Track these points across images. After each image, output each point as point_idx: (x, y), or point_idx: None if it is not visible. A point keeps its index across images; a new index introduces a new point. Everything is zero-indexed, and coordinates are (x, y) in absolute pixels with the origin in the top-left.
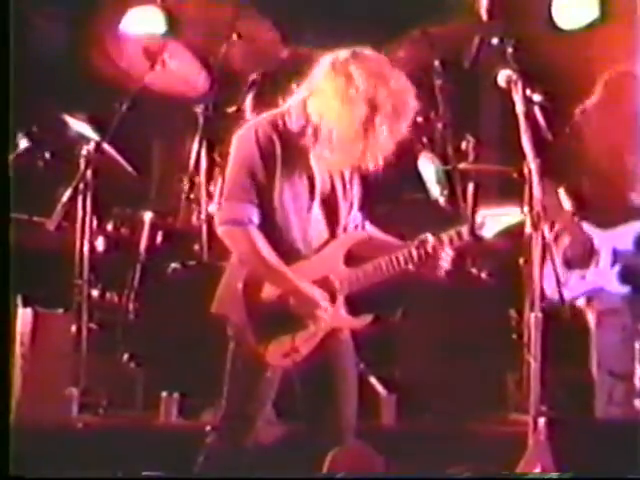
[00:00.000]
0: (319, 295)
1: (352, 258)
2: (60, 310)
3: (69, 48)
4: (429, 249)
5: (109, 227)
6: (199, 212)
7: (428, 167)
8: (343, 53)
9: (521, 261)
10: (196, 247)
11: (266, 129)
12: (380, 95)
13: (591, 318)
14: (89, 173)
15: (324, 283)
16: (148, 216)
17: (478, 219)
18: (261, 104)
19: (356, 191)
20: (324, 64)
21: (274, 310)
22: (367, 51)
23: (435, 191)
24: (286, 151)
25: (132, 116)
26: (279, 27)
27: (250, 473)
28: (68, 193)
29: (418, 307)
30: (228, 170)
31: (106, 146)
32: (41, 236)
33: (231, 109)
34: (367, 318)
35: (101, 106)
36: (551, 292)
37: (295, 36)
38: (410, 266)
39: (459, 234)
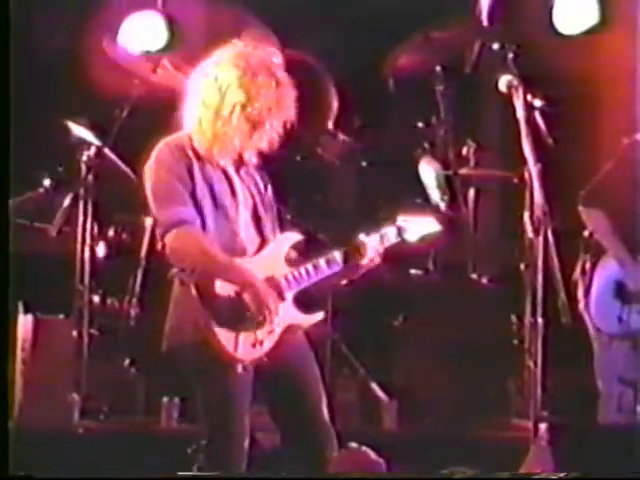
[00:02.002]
0: (268, 289)
1: (291, 258)
2: (61, 316)
3: (69, 54)
4: (361, 251)
5: (110, 233)
6: None
7: (429, 172)
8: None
9: (522, 266)
10: None
11: (177, 142)
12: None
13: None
14: (90, 179)
15: (270, 282)
16: (149, 222)
17: (399, 223)
18: None
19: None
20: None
21: (232, 305)
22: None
23: (435, 196)
24: (201, 162)
25: (133, 121)
26: (279, 34)
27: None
28: (69, 199)
29: (419, 312)
30: (153, 182)
31: (107, 151)
32: (42, 242)
33: None
34: (318, 315)
35: (102, 112)
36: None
37: (295, 43)
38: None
39: (382, 237)
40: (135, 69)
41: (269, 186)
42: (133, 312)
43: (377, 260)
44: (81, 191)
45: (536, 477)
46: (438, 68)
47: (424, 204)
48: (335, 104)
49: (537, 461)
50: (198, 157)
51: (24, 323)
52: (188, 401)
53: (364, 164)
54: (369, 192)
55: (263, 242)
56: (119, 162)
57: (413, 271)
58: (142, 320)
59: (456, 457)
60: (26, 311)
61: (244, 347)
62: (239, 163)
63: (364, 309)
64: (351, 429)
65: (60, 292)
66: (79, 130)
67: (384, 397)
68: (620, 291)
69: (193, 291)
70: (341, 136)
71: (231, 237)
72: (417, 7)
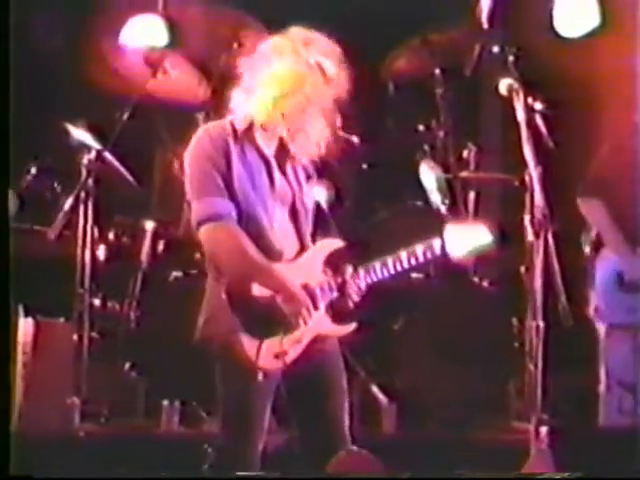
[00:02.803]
0: (305, 297)
1: (329, 266)
2: (61, 319)
3: (69, 56)
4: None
5: (110, 236)
6: None
7: (429, 175)
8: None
9: (522, 269)
10: (197, 256)
11: (218, 130)
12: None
13: (601, 328)
14: (90, 182)
15: (305, 289)
16: (150, 225)
17: (447, 236)
18: None
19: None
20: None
21: (263, 310)
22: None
23: (436, 199)
24: (242, 151)
25: (133, 124)
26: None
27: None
28: (69, 202)
29: (420, 315)
30: (191, 171)
31: (107, 155)
32: (42, 245)
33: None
34: (351, 326)
35: (102, 115)
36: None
37: None
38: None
39: (431, 249)
40: (135, 72)
41: (312, 185)
42: (133, 315)
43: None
44: (82, 194)
45: (539, 477)
46: (438, 71)
47: (424, 207)
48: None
49: (538, 464)
50: (240, 145)
51: (25, 326)
52: (191, 403)
53: (364, 167)
54: (369, 195)
55: (302, 245)
56: (119, 165)
57: (414, 274)
58: (142, 323)
59: (457, 460)
60: (26, 314)
61: (267, 356)
62: (283, 154)
63: (365, 312)
64: (351, 432)
65: (61, 295)
66: (79, 133)
67: (384, 400)
68: (621, 282)
69: (223, 295)
70: (341, 139)
71: (266, 235)
72: (417, 9)
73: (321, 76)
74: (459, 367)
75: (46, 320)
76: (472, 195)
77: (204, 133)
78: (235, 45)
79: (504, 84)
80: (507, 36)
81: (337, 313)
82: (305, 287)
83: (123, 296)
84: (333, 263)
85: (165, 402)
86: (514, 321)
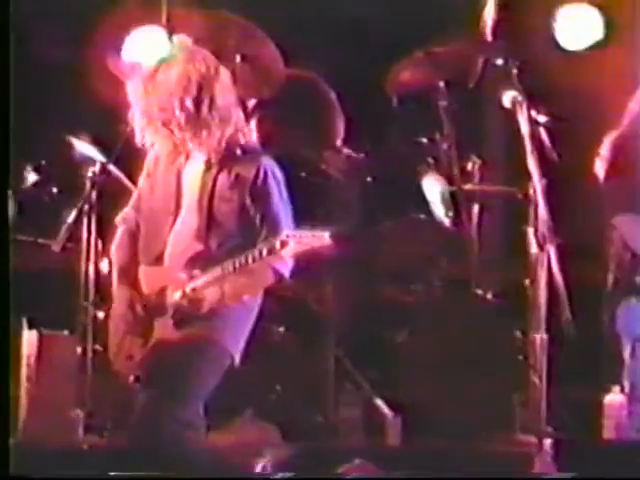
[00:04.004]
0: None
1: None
2: (65, 332)
3: (72, 68)
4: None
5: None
6: None
7: (433, 188)
8: None
9: (526, 282)
10: None
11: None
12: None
13: (626, 343)
14: (94, 194)
15: (159, 293)
16: None
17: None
18: (265, 125)
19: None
20: None
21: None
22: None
23: (440, 212)
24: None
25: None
26: (283, 50)
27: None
28: (73, 215)
29: (424, 327)
30: None
31: (112, 167)
32: (46, 258)
33: None
34: (190, 330)
35: (106, 127)
36: None
37: (299, 59)
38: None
39: (260, 252)
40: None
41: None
42: None
43: None
44: (85, 207)
45: (544, 477)
46: (441, 83)
47: (428, 219)
48: (339, 120)
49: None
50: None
51: (28, 339)
52: None
53: (368, 179)
54: (373, 208)
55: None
56: (124, 178)
57: (417, 286)
58: None
59: (461, 473)
60: (30, 327)
61: (121, 359)
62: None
63: (368, 324)
64: (355, 445)
65: (64, 308)
66: (83, 146)
67: (388, 413)
68: None
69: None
70: (345, 152)
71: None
72: (420, 22)
73: None
74: (463, 379)
75: (50, 333)
76: (476, 208)
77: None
78: (238, 57)
79: (508, 97)
80: (511, 48)
81: (179, 318)
82: (161, 291)
83: None
84: (192, 267)
85: None
86: (518, 333)
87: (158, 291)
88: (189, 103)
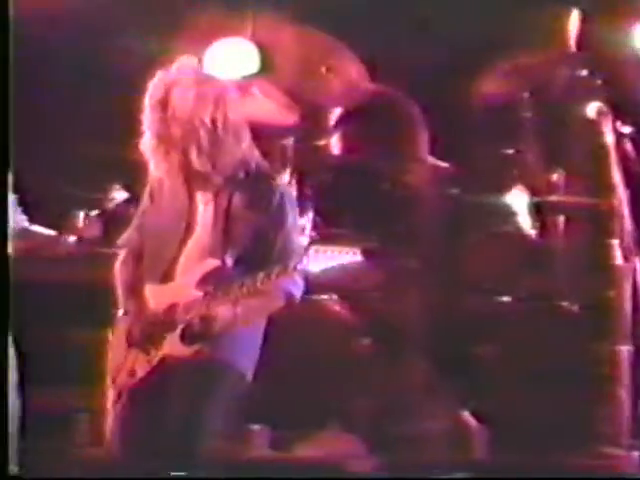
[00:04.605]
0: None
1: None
2: None
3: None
4: (258, 283)
5: None
6: None
7: (519, 200)
8: None
9: (612, 294)
10: None
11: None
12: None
13: None
14: None
15: (169, 310)
16: None
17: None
18: (349, 137)
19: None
20: None
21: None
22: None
23: (526, 224)
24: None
25: None
26: (367, 63)
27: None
28: None
29: (509, 340)
30: None
31: None
32: None
33: (321, 142)
34: (195, 347)
35: None
36: None
37: (383, 73)
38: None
39: (285, 268)
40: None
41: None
42: None
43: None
44: None
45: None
46: (526, 95)
47: (514, 231)
48: (423, 134)
49: None
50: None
51: None
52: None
53: (453, 192)
54: (458, 220)
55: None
56: None
57: (503, 298)
58: None
59: None
60: None
61: (122, 374)
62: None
63: (453, 336)
64: (441, 457)
65: None
66: None
67: (475, 425)
68: None
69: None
70: (429, 164)
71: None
72: (506, 33)
73: None
74: (548, 392)
75: None
76: (561, 219)
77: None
78: (323, 69)
79: (592, 108)
80: (595, 60)
81: (189, 335)
82: (171, 308)
83: None
84: (207, 284)
85: (255, 426)
86: (603, 346)
87: (167, 308)
88: (207, 121)
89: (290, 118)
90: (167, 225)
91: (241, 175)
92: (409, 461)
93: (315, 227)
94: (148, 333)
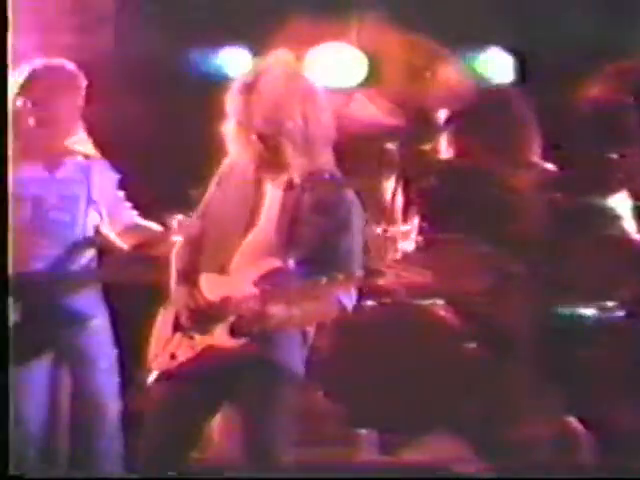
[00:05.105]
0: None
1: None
2: None
3: None
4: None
5: None
6: (395, 250)
7: (624, 204)
8: None
9: None
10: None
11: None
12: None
13: None
14: None
15: (223, 302)
16: None
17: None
18: (455, 141)
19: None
20: None
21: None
22: None
23: (631, 228)
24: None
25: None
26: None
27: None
28: None
29: (615, 344)
30: None
31: None
32: None
33: (426, 146)
34: (241, 341)
35: None
36: None
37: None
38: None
39: (348, 277)
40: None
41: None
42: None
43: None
44: None
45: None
46: (631, 99)
47: (620, 236)
48: (535, 135)
49: None
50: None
51: None
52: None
53: (559, 195)
54: (563, 224)
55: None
56: None
57: (608, 303)
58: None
59: None
60: None
61: (164, 357)
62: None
63: (559, 340)
64: (547, 463)
65: None
66: None
67: (581, 430)
68: None
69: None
70: (538, 168)
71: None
72: (611, 37)
73: None
74: None
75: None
76: None
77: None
78: (428, 74)
79: None
80: None
81: (240, 328)
82: (225, 300)
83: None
84: (265, 282)
85: (363, 430)
86: None
87: (222, 299)
88: (298, 117)
89: (395, 122)
90: (231, 214)
91: (316, 178)
92: (515, 465)
93: (421, 232)
94: (197, 320)
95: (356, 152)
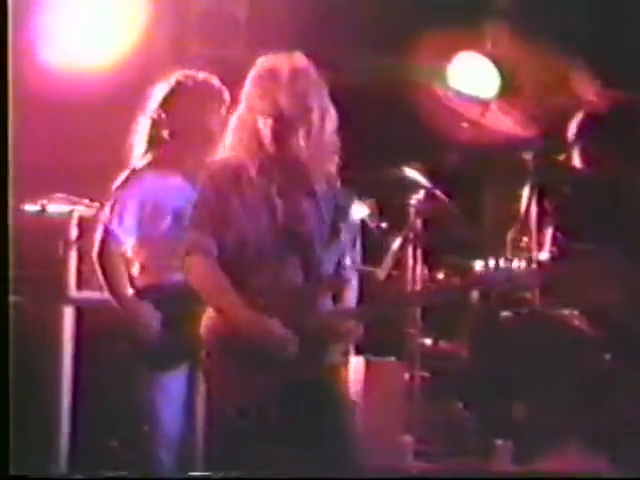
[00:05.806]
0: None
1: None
2: (392, 358)
3: None
4: None
5: (440, 276)
6: (529, 261)
7: None
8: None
9: None
10: (528, 295)
11: (218, 165)
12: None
13: None
14: (419, 222)
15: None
16: (479, 264)
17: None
18: (590, 151)
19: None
20: None
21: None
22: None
23: None
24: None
25: (462, 164)
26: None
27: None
28: (398, 242)
29: None
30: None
31: (438, 194)
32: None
33: (561, 156)
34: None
35: (433, 155)
36: None
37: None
38: None
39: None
40: (465, 111)
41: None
42: (465, 354)
43: None
44: (410, 235)
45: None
46: None
47: None
48: None
49: None
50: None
51: (355, 365)
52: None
53: None
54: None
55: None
56: (450, 205)
57: None
58: (474, 362)
59: None
60: (357, 353)
61: None
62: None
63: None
64: None
65: (391, 335)
66: (412, 173)
67: None
68: None
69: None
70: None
71: (265, 276)
72: None
73: None
74: None
75: (377, 359)
76: None
77: (209, 168)
78: (560, 85)
79: None
80: None
81: None
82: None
83: (454, 335)
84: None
85: (498, 441)
86: None
87: None
88: (316, 113)
89: (529, 133)
90: (249, 220)
91: (316, 185)
92: None
93: (555, 242)
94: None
95: (491, 162)
